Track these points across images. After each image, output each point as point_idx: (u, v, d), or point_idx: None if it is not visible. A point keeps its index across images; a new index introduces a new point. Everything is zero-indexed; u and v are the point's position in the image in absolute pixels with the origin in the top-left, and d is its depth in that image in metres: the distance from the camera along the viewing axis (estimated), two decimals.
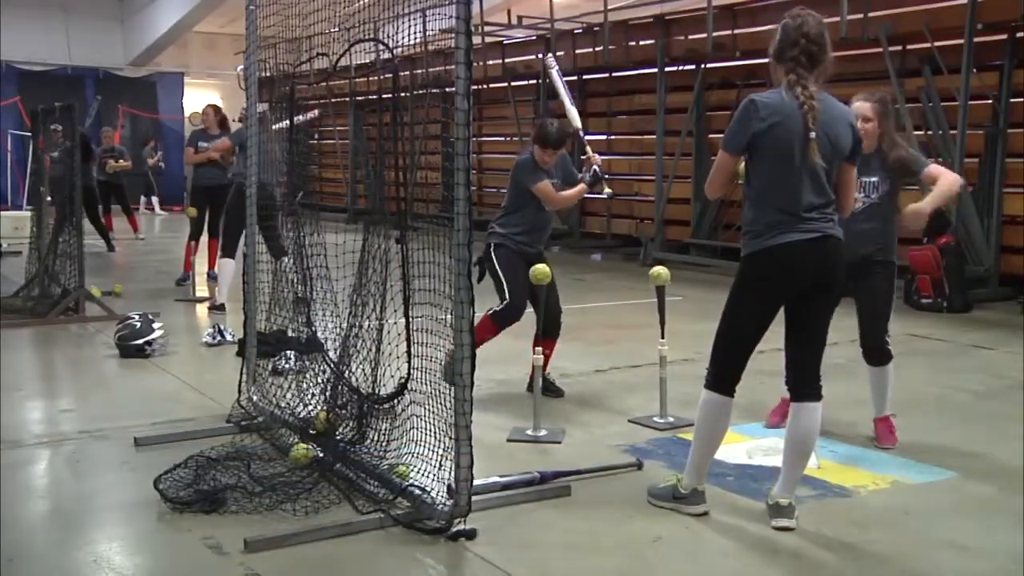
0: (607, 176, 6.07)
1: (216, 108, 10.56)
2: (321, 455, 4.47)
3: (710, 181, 3.98)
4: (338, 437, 4.56)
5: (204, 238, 10.34)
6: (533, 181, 5.80)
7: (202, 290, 9.93)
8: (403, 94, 4.64)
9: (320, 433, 4.63)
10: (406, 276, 4.24)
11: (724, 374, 3.93)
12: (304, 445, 4.54)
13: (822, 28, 3.76)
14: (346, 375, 4.70)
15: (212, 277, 9.54)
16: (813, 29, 3.72)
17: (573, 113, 6.08)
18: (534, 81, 15.69)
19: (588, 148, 5.98)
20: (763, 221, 3.79)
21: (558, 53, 14.81)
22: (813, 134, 3.67)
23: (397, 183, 4.47)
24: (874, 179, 4.90)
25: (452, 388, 3.83)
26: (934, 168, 4.99)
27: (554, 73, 6.29)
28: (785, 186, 3.75)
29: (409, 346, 4.27)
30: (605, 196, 6.36)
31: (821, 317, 3.92)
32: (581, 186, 5.95)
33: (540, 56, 15.30)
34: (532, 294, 5.70)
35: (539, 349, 5.48)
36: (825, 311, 3.94)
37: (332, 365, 4.82)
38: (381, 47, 4.58)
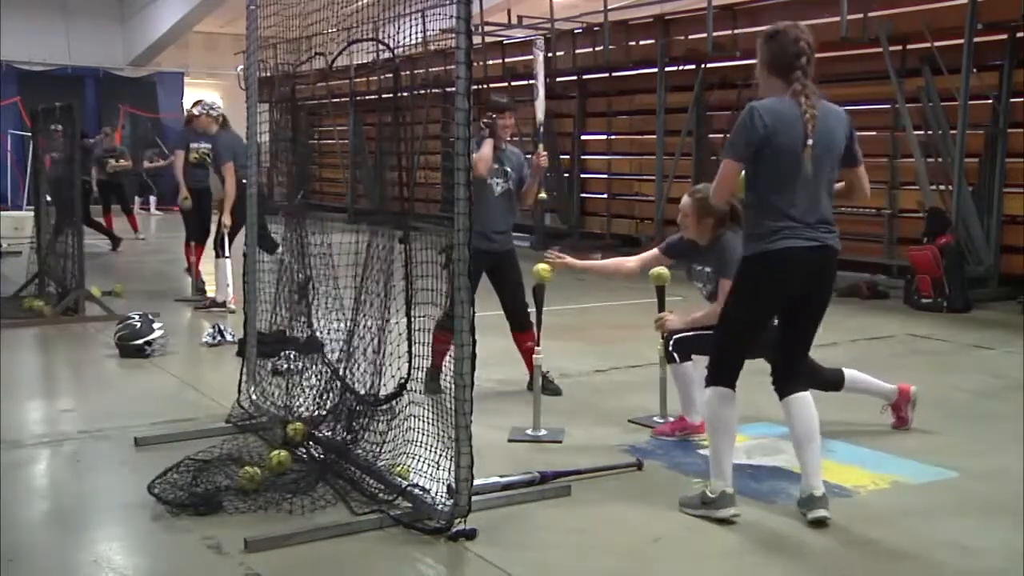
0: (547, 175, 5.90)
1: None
2: (312, 455, 4.45)
3: (715, 191, 4.05)
4: (335, 436, 4.55)
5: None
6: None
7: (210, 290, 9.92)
8: (403, 94, 4.62)
9: (297, 442, 4.60)
10: (409, 276, 4.25)
11: (723, 371, 4.00)
12: (280, 451, 4.45)
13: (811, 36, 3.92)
14: (344, 375, 4.68)
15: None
16: (810, 37, 3.86)
17: (541, 104, 6.04)
18: (534, 81, 15.66)
19: (542, 147, 5.92)
20: (764, 226, 3.87)
21: (558, 53, 14.81)
22: (811, 141, 3.76)
23: (401, 183, 4.46)
24: (709, 269, 5.14)
25: (452, 388, 3.83)
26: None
27: (540, 56, 6.22)
28: (786, 192, 3.83)
29: (410, 347, 4.27)
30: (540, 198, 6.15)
31: (812, 321, 4.05)
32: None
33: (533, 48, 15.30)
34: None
35: (539, 348, 5.47)
36: (816, 316, 4.05)
37: (330, 365, 4.80)
38: (381, 47, 4.58)
